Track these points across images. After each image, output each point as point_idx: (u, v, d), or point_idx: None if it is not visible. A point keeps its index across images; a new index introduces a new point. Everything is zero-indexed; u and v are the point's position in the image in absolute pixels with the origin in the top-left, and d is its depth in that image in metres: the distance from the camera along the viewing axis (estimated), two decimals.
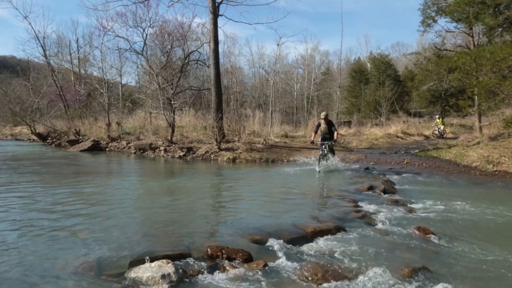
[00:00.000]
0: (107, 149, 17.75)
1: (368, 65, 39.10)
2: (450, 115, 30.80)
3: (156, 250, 3.49)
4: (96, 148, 17.59)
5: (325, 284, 3.05)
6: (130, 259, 3.28)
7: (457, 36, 24.36)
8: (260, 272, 3.19)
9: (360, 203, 5.95)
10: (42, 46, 27.40)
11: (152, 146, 15.79)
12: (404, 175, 9.59)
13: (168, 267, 3.10)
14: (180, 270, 3.11)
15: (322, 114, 10.29)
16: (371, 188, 7.31)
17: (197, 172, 10.62)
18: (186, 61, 21.03)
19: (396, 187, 7.87)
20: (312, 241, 4.09)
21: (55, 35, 44.80)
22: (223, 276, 3.13)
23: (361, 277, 3.14)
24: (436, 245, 4.06)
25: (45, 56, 27.64)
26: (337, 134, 10.00)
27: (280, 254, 3.62)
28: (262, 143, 15.27)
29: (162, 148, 15.39)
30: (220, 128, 14.97)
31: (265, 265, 3.33)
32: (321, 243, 4.03)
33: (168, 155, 14.64)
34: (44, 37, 27.60)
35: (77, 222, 4.57)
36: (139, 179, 9.12)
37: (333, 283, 3.06)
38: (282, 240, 3.91)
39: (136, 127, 20.61)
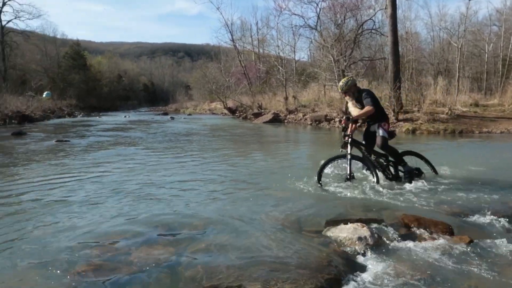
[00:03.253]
0: (285, 121, 19.33)
1: None
2: None
3: (350, 213, 3.64)
4: (276, 120, 19.37)
5: None
6: (325, 219, 3.51)
7: None
8: (464, 248, 2.93)
9: None
10: (230, 32, 31.49)
11: (327, 117, 16.28)
12: None
13: (363, 230, 3.18)
14: (376, 235, 3.15)
15: (342, 82, 5.22)
16: None
17: None
18: (360, 31, 20.45)
19: None
20: None
21: (240, 21, 50.54)
22: (422, 246, 3.01)
23: None
24: None
25: (232, 40, 31.70)
26: (387, 127, 5.10)
27: (488, 232, 3.26)
28: (447, 113, 13.78)
29: (337, 119, 15.71)
30: (398, 98, 14.20)
31: (471, 241, 3.05)
32: None
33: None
34: (231, 24, 31.55)
35: (269, 182, 5.16)
36: (319, 148, 9.66)
37: None
38: (489, 217, 3.52)
39: (310, 100, 21.53)
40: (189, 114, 33.12)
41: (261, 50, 35.91)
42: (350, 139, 4.97)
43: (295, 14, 22.21)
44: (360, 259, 2.83)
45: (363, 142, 5.24)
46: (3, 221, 3.60)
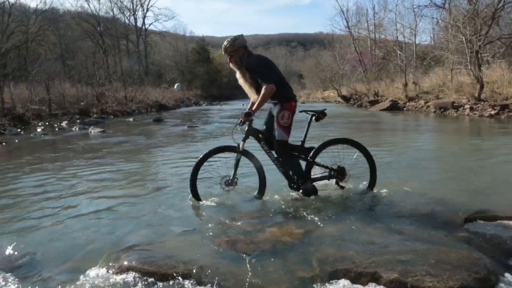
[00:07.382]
0: (404, 108, 18.17)
1: None
2: None
3: (489, 210, 3.25)
4: (394, 107, 18.36)
5: None
6: (465, 213, 3.20)
7: None
8: None
9: None
10: (345, 19, 30.61)
11: (455, 104, 14.77)
12: None
13: None
14: None
15: (226, 42, 3.72)
16: None
17: None
18: (501, 5, 17.75)
19: None
20: None
21: (355, 6, 48.70)
22: None
23: None
24: None
25: (348, 27, 30.76)
26: (290, 116, 3.59)
27: None
28: None
29: (467, 106, 14.14)
30: None
31: None
32: None
33: (474, 114, 13.32)
34: (347, 10, 30.70)
35: (399, 172, 4.93)
36: (450, 137, 8.96)
37: None
38: None
39: (434, 86, 19.71)
40: (303, 102, 33.37)
41: (377, 35, 34.04)
42: (247, 128, 3.70)
43: None
44: None
45: (264, 128, 3.84)
46: (155, 194, 4.25)
